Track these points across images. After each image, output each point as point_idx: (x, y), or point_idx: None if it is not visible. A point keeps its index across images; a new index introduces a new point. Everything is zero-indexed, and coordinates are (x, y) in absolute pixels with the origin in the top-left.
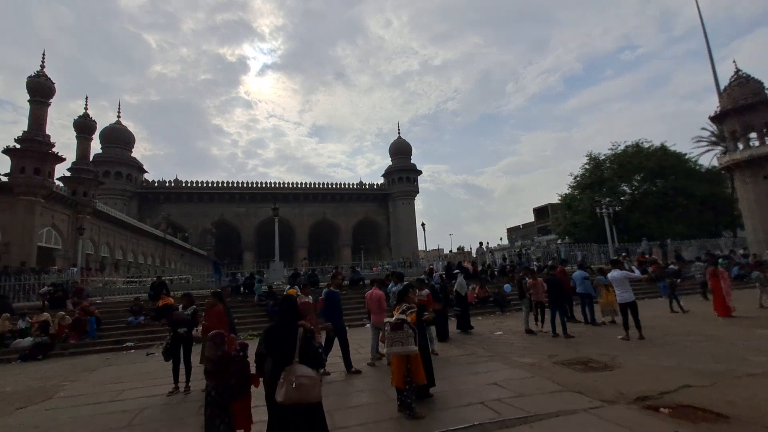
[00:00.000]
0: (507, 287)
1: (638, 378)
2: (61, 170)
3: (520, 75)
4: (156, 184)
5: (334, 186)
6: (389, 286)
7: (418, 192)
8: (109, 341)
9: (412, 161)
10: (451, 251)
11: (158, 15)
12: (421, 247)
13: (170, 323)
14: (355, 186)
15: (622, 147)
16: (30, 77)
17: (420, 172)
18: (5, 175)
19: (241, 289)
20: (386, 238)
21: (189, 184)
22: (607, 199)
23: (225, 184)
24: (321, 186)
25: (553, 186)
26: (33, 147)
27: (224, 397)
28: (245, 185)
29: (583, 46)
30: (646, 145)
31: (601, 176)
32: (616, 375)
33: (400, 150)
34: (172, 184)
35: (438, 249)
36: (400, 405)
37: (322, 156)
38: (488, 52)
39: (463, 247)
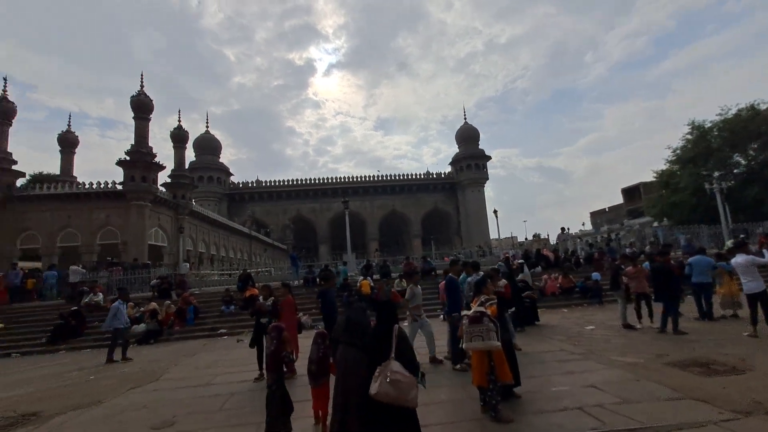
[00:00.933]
0: (595, 275)
1: None
2: (162, 177)
3: (600, 42)
4: (241, 186)
5: (401, 177)
6: (461, 276)
7: (487, 178)
8: (206, 328)
9: (480, 147)
10: (526, 239)
11: (234, 29)
12: (493, 235)
13: (253, 313)
14: (422, 176)
15: (733, 111)
16: (133, 97)
17: (489, 158)
18: (120, 184)
19: (317, 280)
20: (456, 227)
21: (268, 184)
22: (717, 172)
23: (299, 182)
24: (388, 178)
25: (645, 163)
26: (139, 158)
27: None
28: (317, 181)
29: (675, 0)
30: (765, 107)
31: (707, 147)
32: (747, 380)
33: (467, 136)
34: (254, 185)
35: (511, 237)
36: (484, 405)
37: (387, 148)
38: (561, 21)
39: (539, 234)
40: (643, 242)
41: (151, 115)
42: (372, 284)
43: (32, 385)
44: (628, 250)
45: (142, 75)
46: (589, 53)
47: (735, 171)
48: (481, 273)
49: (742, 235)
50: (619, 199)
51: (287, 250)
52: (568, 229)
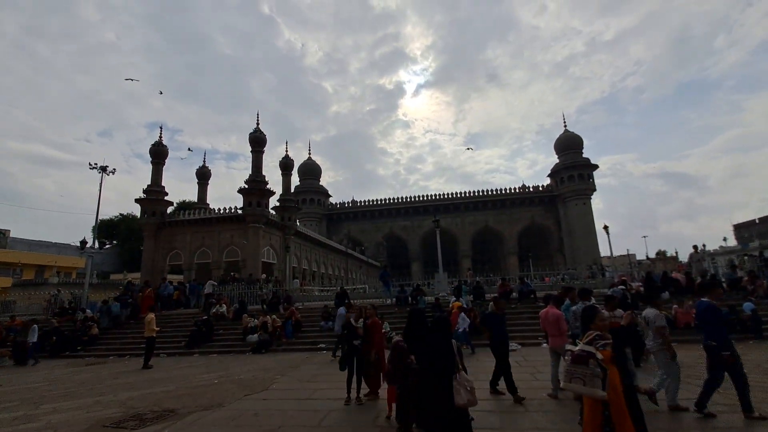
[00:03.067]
0: (748, 305)
1: None
2: (272, 201)
3: (735, 22)
4: (338, 206)
5: (493, 192)
6: (566, 303)
7: (594, 190)
8: (308, 341)
9: (584, 155)
10: (646, 257)
11: (332, 63)
12: (604, 252)
13: (347, 335)
14: (517, 190)
15: None
16: (250, 134)
17: (595, 167)
18: (240, 209)
19: (409, 299)
20: (558, 243)
21: (362, 203)
22: None
23: (391, 201)
24: (480, 194)
25: None
26: (255, 187)
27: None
28: (408, 199)
29: None
30: None
31: None
32: None
33: (568, 144)
34: (350, 205)
35: (628, 254)
36: None
37: (478, 163)
38: (682, 3)
39: (664, 252)
40: None
41: (264, 148)
42: (465, 306)
43: (173, 383)
44: None
45: (258, 114)
46: (721, 36)
47: None
48: (590, 303)
49: None
50: None
51: (380, 267)
52: (703, 245)
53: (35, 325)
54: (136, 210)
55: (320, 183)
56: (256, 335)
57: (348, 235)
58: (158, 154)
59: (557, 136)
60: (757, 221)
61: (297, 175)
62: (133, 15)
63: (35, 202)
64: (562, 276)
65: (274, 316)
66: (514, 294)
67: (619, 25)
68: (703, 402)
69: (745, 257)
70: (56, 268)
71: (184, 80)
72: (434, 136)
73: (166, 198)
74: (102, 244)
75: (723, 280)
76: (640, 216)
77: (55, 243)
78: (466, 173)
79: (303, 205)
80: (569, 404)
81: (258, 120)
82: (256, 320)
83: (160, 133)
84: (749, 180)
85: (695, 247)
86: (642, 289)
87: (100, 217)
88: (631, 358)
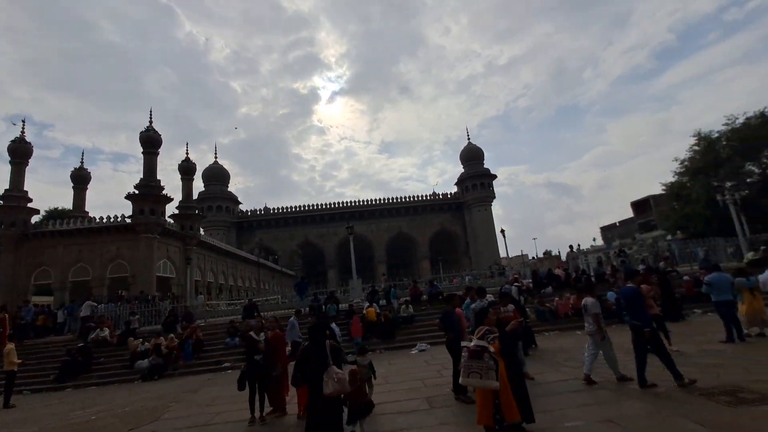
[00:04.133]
0: (611, 295)
1: None
2: (171, 209)
3: (599, 58)
4: (249, 213)
5: (407, 199)
6: (466, 302)
7: (494, 197)
8: (211, 362)
9: (485, 166)
10: (534, 257)
11: (241, 62)
12: (502, 254)
13: (246, 350)
14: (428, 197)
15: (741, 119)
16: (142, 132)
17: (494, 177)
18: (129, 217)
19: (323, 308)
20: (465, 247)
21: (276, 210)
22: (729, 183)
23: (306, 207)
24: (394, 200)
25: (655, 175)
26: (148, 192)
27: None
28: (324, 206)
29: (674, 12)
30: None
31: (716, 157)
32: None
33: (471, 156)
34: (262, 212)
35: (522, 255)
36: None
37: (393, 171)
38: (559, 39)
39: (550, 252)
40: (657, 257)
41: (159, 150)
42: (378, 311)
43: (38, 424)
44: (641, 266)
45: (151, 111)
46: (589, 69)
47: (749, 180)
48: (488, 299)
49: (763, 247)
50: (629, 213)
51: (296, 276)
52: (579, 245)
53: None
54: None
55: (228, 189)
56: (146, 360)
57: (260, 244)
58: (19, 152)
59: (462, 147)
60: (617, 224)
61: (202, 181)
62: None
63: None
64: (467, 277)
65: (172, 336)
66: (424, 296)
67: (511, 51)
68: (642, 378)
69: (612, 254)
70: None
71: (59, 69)
72: (349, 143)
73: (29, 205)
74: None
75: (592, 274)
76: (532, 221)
77: None
78: (381, 180)
79: (209, 212)
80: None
81: (151, 117)
82: (147, 343)
83: (23, 128)
84: (612, 190)
85: (570, 247)
86: (530, 284)
87: None
88: (521, 348)
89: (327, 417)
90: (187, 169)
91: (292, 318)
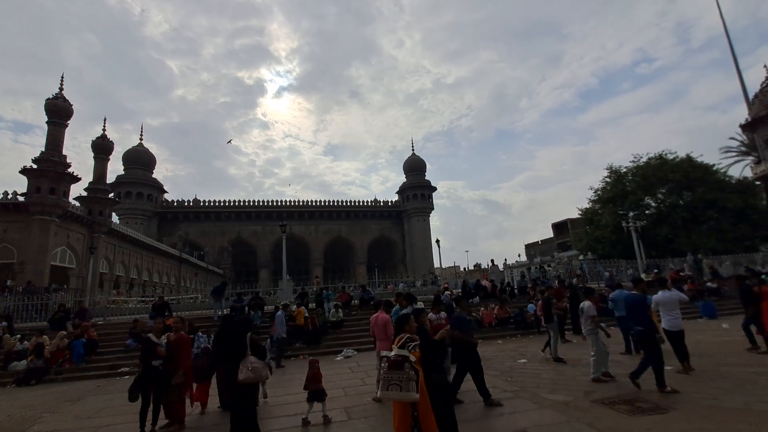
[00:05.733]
0: (530, 307)
1: (703, 425)
2: (78, 190)
3: (534, 90)
4: (175, 204)
5: (348, 204)
6: (395, 308)
7: (433, 208)
8: (105, 366)
9: (426, 177)
10: (465, 269)
11: (180, 41)
12: (437, 264)
13: (142, 354)
14: (369, 203)
15: (644, 159)
16: (48, 99)
17: (434, 189)
18: (22, 194)
19: (246, 310)
20: (402, 255)
21: (207, 203)
22: (632, 212)
23: (242, 203)
24: (336, 204)
25: (573, 201)
26: (49, 167)
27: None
28: (261, 203)
29: (597, 60)
30: (671, 157)
31: (623, 189)
32: (673, 419)
33: (414, 167)
34: (191, 204)
35: (454, 266)
36: None
37: (336, 174)
38: (501, 67)
39: (480, 264)
40: (571, 274)
41: (68, 121)
42: (307, 314)
43: None
44: (557, 282)
45: (62, 77)
46: (525, 99)
47: (647, 212)
48: (416, 306)
49: (655, 270)
50: (550, 233)
51: (223, 275)
52: (505, 260)
53: None
54: None
55: (153, 176)
56: (23, 362)
57: (185, 238)
58: None
59: (406, 158)
60: (540, 242)
61: (122, 163)
62: None
63: None
64: (401, 284)
65: (64, 333)
66: (354, 301)
67: (458, 72)
68: (661, 380)
69: (534, 269)
70: None
71: None
72: (294, 141)
73: None
74: None
75: (515, 287)
76: (465, 234)
77: None
78: (324, 183)
79: (127, 199)
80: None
81: (62, 84)
82: (27, 342)
83: None
84: (538, 211)
85: (492, 261)
86: (460, 294)
87: None
88: (449, 357)
89: (241, 402)
90: (102, 147)
91: (279, 312)
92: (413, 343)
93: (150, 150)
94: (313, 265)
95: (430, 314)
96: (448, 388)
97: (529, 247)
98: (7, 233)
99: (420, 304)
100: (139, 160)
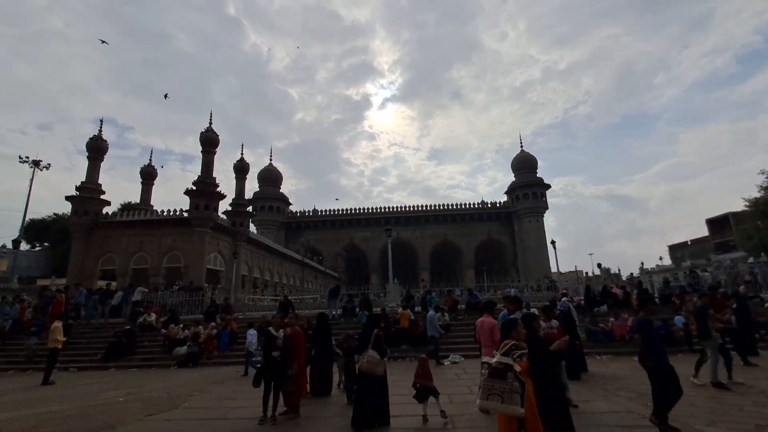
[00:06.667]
0: (678, 320)
1: None
2: (225, 206)
3: (673, 62)
4: (298, 215)
5: (453, 207)
6: (502, 312)
7: (546, 208)
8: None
9: (538, 175)
10: (586, 273)
11: (299, 71)
12: (553, 268)
13: (264, 345)
14: (476, 206)
15: None
16: (202, 133)
17: (548, 186)
18: (186, 211)
19: (356, 310)
20: (512, 258)
21: (323, 213)
22: None
23: (353, 211)
24: (441, 207)
25: (734, 190)
26: (203, 188)
27: None
28: (370, 210)
29: (763, 12)
30: None
31: None
32: None
33: (524, 164)
34: (310, 214)
35: (576, 270)
36: None
37: (441, 177)
38: (628, 42)
39: (608, 269)
40: (737, 281)
41: (216, 149)
42: (412, 316)
43: (68, 402)
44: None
45: (211, 114)
46: (661, 74)
47: None
48: (526, 312)
49: None
50: (703, 231)
51: (339, 278)
52: (641, 264)
53: None
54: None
55: (281, 190)
56: (184, 347)
57: (306, 245)
58: (95, 149)
59: (514, 155)
60: (689, 243)
61: (257, 181)
62: (85, 3)
63: None
64: (512, 289)
65: (213, 324)
66: (461, 306)
67: (571, 56)
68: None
69: (682, 275)
70: None
71: (139, 76)
72: (399, 149)
73: (102, 197)
74: (31, 246)
75: (656, 295)
76: (588, 234)
77: None
78: (429, 187)
79: (261, 212)
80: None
81: (211, 119)
82: (187, 331)
83: (100, 127)
84: (684, 205)
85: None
86: (582, 301)
87: (31, 216)
88: (565, 370)
89: (364, 392)
90: (240, 168)
91: (431, 312)
92: (519, 352)
93: (278, 168)
94: (420, 269)
95: (540, 322)
96: (564, 406)
97: (675, 249)
98: (175, 243)
99: (534, 311)
100: (270, 178)
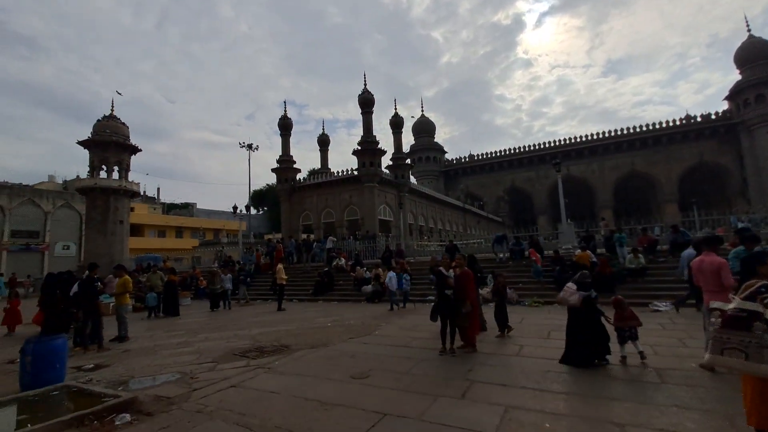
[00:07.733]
0: None
1: None
2: (387, 161)
3: None
4: (454, 162)
5: (643, 129)
6: (733, 250)
7: None
8: (417, 293)
9: None
10: None
11: (440, 9)
12: None
13: (437, 284)
14: (678, 122)
15: None
16: (359, 96)
17: None
18: (355, 170)
19: (525, 253)
20: (739, 186)
21: (480, 157)
22: None
23: (511, 151)
24: (625, 132)
25: None
26: (366, 147)
27: None
28: (531, 148)
29: None
30: None
31: None
32: None
33: (754, 54)
34: (467, 159)
35: None
36: None
37: (623, 95)
38: None
39: None
40: None
41: (373, 109)
42: (594, 258)
43: (295, 324)
44: None
45: (365, 75)
46: None
47: None
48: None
49: None
50: None
51: (503, 222)
52: None
53: (229, 275)
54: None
55: (435, 140)
56: (369, 286)
57: (466, 191)
58: (285, 126)
59: (737, 46)
60: None
61: (412, 134)
62: (259, 4)
63: (207, 178)
64: (739, 223)
65: (389, 268)
66: (661, 246)
67: None
68: None
69: None
70: (225, 230)
71: (306, 58)
72: (563, 71)
73: (295, 166)
74: (256, 210)
75: None
76: None
77: (225, 211)
78: (606, 110)
79: (419, 163)
80: (731, 380)
81: (365, 81)
82: (369, 273)
83: (285, 108)
84: None
85: None
86: None
87: (254, 188)
88: None
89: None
90: (396, 123)
91: (688, 251)
92: None
93: (430, 118)
94: (600, 207)
95: None
96: None
97: None
98: (352, 198)
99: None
100: (424, 129)
